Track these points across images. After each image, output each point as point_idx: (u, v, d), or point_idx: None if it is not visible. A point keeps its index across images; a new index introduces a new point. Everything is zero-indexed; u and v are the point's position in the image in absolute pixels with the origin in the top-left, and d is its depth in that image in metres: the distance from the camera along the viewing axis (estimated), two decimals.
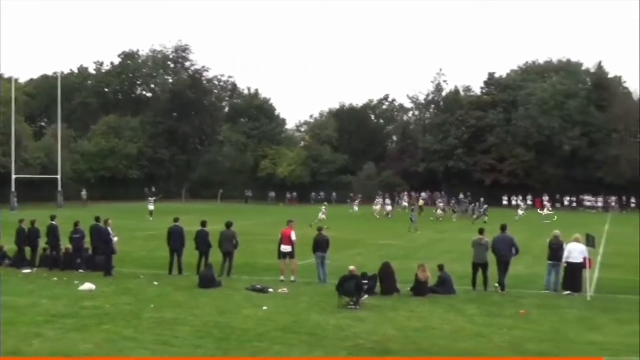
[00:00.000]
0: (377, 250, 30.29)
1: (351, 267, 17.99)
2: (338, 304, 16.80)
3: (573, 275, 19.20)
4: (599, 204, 76.18)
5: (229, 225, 22.44)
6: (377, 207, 58.73)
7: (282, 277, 20.94)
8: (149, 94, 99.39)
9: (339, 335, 13.74)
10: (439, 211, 55.31)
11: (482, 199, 59.18)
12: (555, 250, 19.95)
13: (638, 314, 16.11)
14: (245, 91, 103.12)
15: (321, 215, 45.33)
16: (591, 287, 19.00)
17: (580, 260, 19.14)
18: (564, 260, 19.43)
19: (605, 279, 21.79)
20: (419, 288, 18.72)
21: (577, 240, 19.59)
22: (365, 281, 18.22)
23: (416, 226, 41.48)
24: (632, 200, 77.37)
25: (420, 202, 64.76)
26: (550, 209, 60.12)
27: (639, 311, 16.40)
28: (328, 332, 14.02)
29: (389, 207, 59.09)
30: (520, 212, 54.64)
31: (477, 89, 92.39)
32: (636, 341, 13.39)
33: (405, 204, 59.03)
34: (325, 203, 52.15)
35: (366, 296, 17.49)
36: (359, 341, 13.26)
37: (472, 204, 59.88)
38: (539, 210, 60.15)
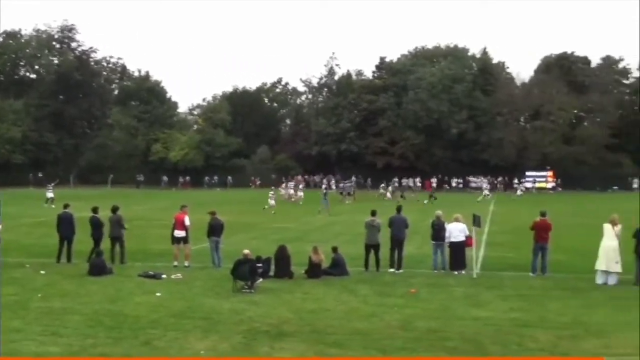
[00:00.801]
0: (272, 233, 30.35)
1: (246, 251, 17.97)
2: (233, 288, 16.76)
3: (457, 254, 19.90)
4: (485, 185, 79.00)
5: (115, 209, 21.87)
6: (290, 191, 58.83)
7: (175, 263, 20.65)
8: (33, 76, 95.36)
9: (234, 320, 13.73)
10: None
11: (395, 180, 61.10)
12: (437, 230, 20.60)
13: (520, 290, 16.97)
14: (136, 73, 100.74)
15: (271, 202, 44.34)
16: (477, 265, 19.75)
17: (461, 239, 19.85)
18: (446, 240, 20.14)
19: (490, 257, 22.70)
20: (313, 270, 18.93)
21: (457, 220, 20.28)
22: (260, 265, 18.26)
23: (328, 210, 42.02)
24: (515, 180, 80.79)
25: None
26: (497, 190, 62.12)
27: (522, 287, 17.31)
28: (223, 317, 13.98)
29: (291, 191, 59.38)
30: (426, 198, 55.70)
31: (369, 73, 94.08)
32: (517, 315, 14.09)
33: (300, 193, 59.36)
34: (272, 188, 51.08)
35: (261, 280, 17.52)
36: (254, 325, 13.30)
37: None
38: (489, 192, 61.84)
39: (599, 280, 18.04)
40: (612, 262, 17.91)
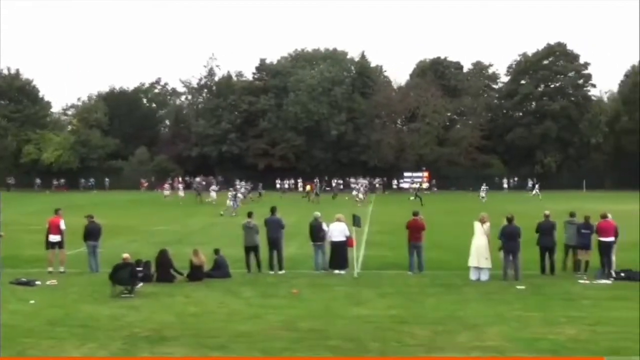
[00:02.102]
0: (151, 236, 29.77)
1: (125, 255, 17.51)
2: (112, 294, 16.33)
3: (337, 254, 20.19)
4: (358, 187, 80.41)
5: None
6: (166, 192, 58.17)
7: (50, 269, 19.86)
8: None
9: (113, 326, 13.39)
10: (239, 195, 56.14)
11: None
12: (316, 231, 20.87)
13: (399, 288, 17.46)
14: (5, 71, 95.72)
15: (229, 202, 43.75)
16: (358, 264, 20.13)
17: (342, 239, 20.17)
18: (327, 240, 20.41)
19: (370, 257, 23.20)
20: (195, 273, 18.73)
21: (338, 220, 20.60)
22: (140, 269, 17.88)
23: (236, 211, 41.63)
24: (394, 181, 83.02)
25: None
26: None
27: (400, 285, 17.83)
28: (101, 323, 13.59)
29: (167, 192, 58.58)
30: (360, 195, 56.43)
31: (249, 74, 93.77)
32: (396, 312, 14.49)
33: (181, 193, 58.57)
34: (231, 189, 50.33)
35: (141, 284, 17.16)
36: (134, 330, 13.02)
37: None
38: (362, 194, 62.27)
39: (472, 276, 18.84)
40: (483, 259, 18.76)
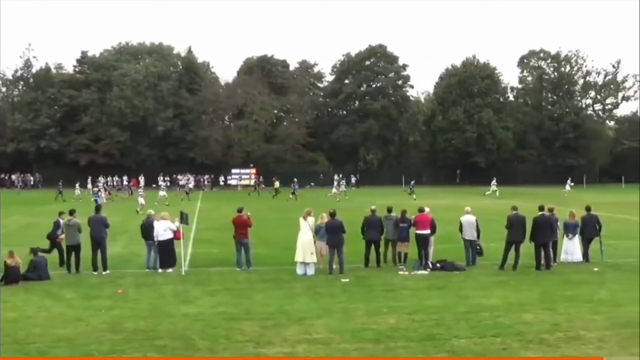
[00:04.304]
0: None
1: None
2: None
3: (164, 253, 19.77)
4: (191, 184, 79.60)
5: None
6: None
7: None
8: None
9: None
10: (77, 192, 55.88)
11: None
12: (148, 229, 20.39)
13: (227, 285, 17.46)
14: None
15: (141, 200, 42.67)
16: (185, 262, 19.90)
17: (167, 237, 19.79)
18: (155, 239, 19.94)
19: (198, 254, 23.01)
20: (10, 275, 17.65)
21: (163, 218, 20.19)
22: None
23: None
24: (222, 178, 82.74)
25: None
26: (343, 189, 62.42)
27: (229, 282, 17.85)
28: None
29: None
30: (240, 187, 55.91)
31: (69, 67, 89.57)
32: (224, 309, 14.48)
33: None
34: (141, 186, 48.68)
35: None
36: None
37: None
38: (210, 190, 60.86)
39: (299, 271, 19.22)
40: (309, 254, 19.21)
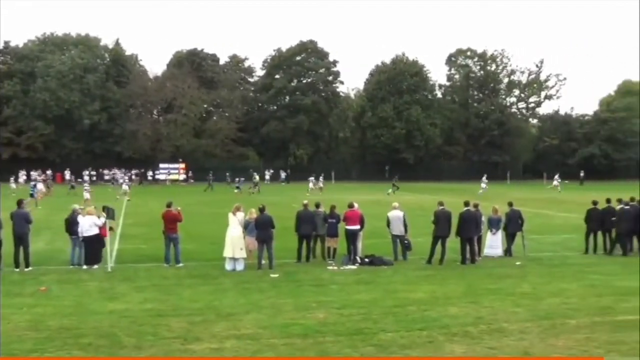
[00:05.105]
0: None
1: None
2: None
3: (90, 249, 19.33)
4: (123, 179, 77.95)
5: None
6: None
7: None
8: None
9: None
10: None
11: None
12: (72, 224, 19.92)
13: (155, 281, 17.25)
14: None
15: (86, 195, 41.41)
16: (112, 258, 19.53)
17: (93, 232, 19.31)
18: (79, 235, 19.50)
19: (125, 250, 22.62)
20: None
21: (89, 213, 19.73)
22: None
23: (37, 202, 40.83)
24: (150, 173, 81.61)
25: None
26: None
27: (156, 278, 17.63)
28: None
29: None
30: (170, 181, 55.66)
31: None
32: (152, 306, 14.29)
33: None
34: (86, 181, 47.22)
35: None
36: None
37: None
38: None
39: (228, 266, 19.11)
40: (238, 249, 19.13)
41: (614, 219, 22.41)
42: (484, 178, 62.54)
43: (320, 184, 62.20)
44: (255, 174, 64.01)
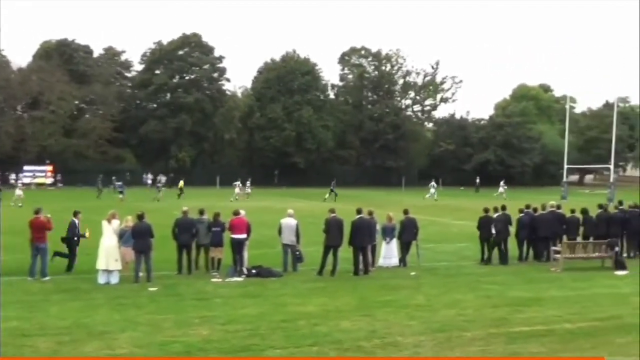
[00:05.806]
0: None
1: None
2: None
3: None
4: None
5: None
6: None
7: None
8: None
9: None
10: None
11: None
12: None
13: (18, 296, 16.59)
14: None
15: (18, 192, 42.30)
16: None
17: None
18: None
19: None
20: None
21: None
22: None
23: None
24: (13, 176, 78.38)
25: None
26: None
27: (20, 293, 16.95)
28: None
29: None
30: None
31: None
32: (16, 324, 13.75)
33: None
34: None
35: None
36: None
37: None
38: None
39: (101, 279, 18.65)
40: (112, 260, 18.70)
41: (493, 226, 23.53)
42: (432, 182, 68.35)
43: (248, 190, 62.21)
44: (181, 180, 64.72)
